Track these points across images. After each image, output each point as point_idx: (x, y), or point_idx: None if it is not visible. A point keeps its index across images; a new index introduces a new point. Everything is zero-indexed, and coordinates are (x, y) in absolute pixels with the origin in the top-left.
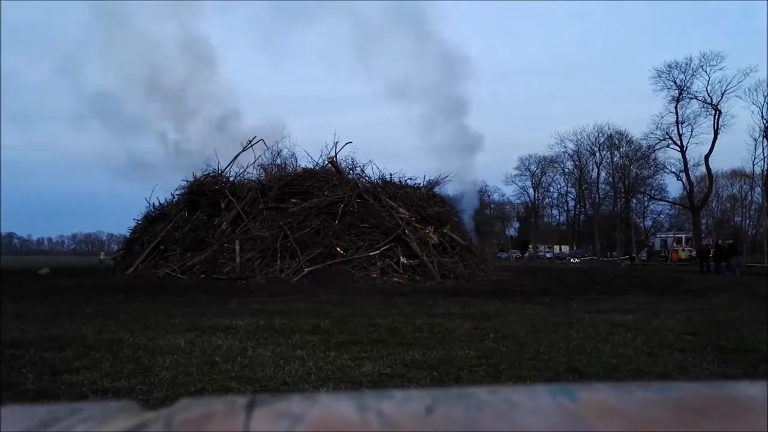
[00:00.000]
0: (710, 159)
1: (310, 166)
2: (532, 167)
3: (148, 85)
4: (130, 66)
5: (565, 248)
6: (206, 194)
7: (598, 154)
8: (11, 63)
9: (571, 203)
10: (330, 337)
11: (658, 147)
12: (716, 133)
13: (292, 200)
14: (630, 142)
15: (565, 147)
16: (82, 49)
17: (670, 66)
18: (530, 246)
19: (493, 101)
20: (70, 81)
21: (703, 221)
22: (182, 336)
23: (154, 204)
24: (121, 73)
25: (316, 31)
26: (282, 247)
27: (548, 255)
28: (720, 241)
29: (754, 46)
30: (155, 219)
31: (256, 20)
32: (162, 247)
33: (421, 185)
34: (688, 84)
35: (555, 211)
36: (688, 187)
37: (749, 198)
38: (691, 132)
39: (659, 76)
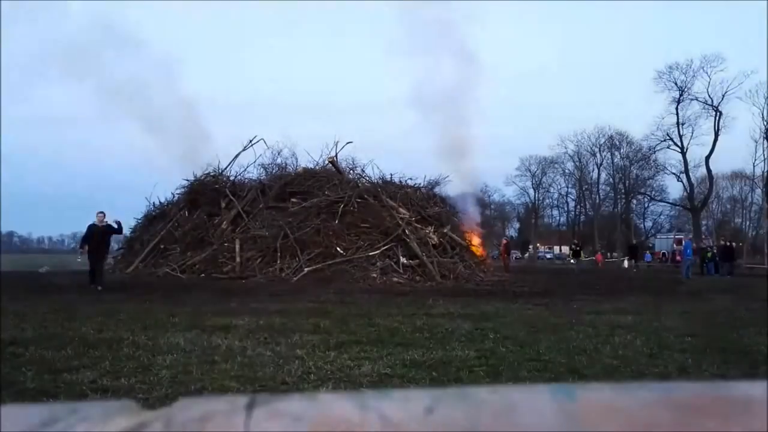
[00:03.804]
0: (711, 160)
1: (311, 165)
2: (533, 168)
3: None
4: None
5: (565, 249)
6: (206, 193)
7: (598, 155)
8: (11, 62)
9: (572, 204)
10: (330, 337)
11: (658, 148)
12: (717, 135)
13: (293, 200)
14: (630, 143)
15: (566, 148)
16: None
17: (670, 67)
18: (530, 246)
19: (493, 101)
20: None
21: (704, 223)
22: (182, 335)
23: (154, 203)
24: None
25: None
26: (282, 246)
27: (548, 255)
28: (724, 241)
29: (755, 48)
30: (155, 218)
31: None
32: (162, 246)
33: (422, 185)
34: (688, 85)
35: (555, 212)
36: (688, 189)
37: (750, 199)
38: (692, 133)
39: (660, 77)
